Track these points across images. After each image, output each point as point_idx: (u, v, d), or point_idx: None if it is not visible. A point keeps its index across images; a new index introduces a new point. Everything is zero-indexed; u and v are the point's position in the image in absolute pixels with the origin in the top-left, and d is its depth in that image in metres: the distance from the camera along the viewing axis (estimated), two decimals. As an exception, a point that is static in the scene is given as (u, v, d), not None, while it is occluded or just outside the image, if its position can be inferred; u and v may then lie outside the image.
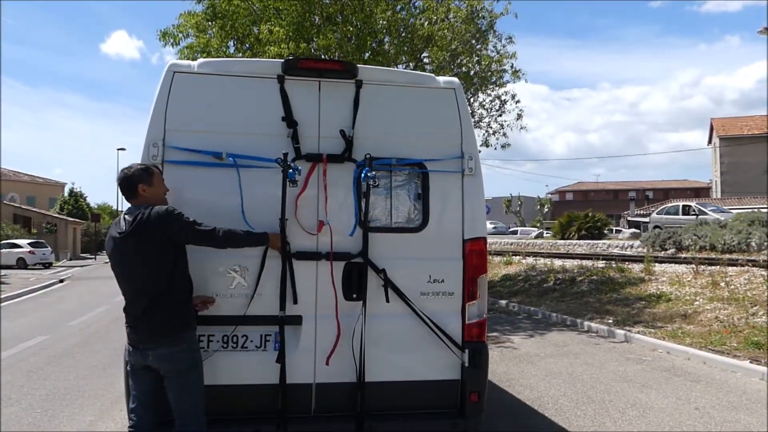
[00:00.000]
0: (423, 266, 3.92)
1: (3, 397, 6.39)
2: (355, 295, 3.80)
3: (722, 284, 13.01)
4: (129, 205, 3.44)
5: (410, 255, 3.92)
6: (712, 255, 18.46)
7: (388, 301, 3.80)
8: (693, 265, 15.32)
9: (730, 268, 14.55)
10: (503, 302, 14.94)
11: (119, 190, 3.44)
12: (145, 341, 3.32)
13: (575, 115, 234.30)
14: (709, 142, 56.98)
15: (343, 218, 3.82)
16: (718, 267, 14.81)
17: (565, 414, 5.91)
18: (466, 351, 3.88)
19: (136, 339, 3.35)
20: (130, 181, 3.38)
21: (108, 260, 3.49)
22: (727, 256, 17.01)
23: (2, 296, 16.86)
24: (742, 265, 14.81)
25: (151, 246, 3.27)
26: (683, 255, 19.81)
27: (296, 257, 3.74)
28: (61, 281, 24.03)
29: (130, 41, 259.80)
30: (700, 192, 68.66)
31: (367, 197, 3.78)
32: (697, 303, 11.95)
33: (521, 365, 8.14)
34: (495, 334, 10.58)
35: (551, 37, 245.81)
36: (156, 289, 3.28)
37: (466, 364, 3.87)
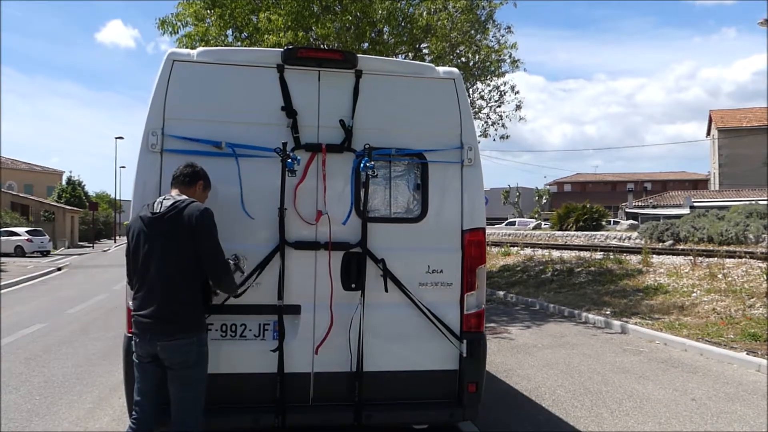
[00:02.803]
0: (422, 256, 3.92)
1: (2, 384, 6.40)
2: (353, 285, 3.81)
3: (720, 276, 13.05)
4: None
5: (409, 245, 3.92)
6: (710, 247, 18.53)
7: (387, 291, 3.81)
8: (691, 257, 15.37)
9: (727, 260, 14.60)
10: (501, 293, 14.96)
11: (180, 175, 3.46)
12: (156, 331, 3.24)
13: (571, 107, 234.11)
14: (708, 133, 56.94)
15: (342, 208, 3.82)
16: (716, 259, 14.86)
17: (562, 405, 5.94)
18: (465, 341, 3.90)
19: (146, 328, 3.27)
20: (196, 174, 3.49)
21: (130, 242, 3.39)
22: (725, 248, 17.06)
23: (0, 284, 16.86)
24: (740, 257, 14.87)
25: (181, 235, 3.25)
26: (681, 247, 19.87)
27: (295, 247, 3.74)
28: (59, 269, 23.97)
29: (125, 30, 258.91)
30: (698, 184, 68.65)
31: (366, 187, 3.77)
32: (694, 295, 11.99)
33: (519, 356, 8.16)
34: (493, 324, 10.61)
35: (547, 27, 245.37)
36: (178, 279, 3.25)
37: (465, 355, 3.88)
